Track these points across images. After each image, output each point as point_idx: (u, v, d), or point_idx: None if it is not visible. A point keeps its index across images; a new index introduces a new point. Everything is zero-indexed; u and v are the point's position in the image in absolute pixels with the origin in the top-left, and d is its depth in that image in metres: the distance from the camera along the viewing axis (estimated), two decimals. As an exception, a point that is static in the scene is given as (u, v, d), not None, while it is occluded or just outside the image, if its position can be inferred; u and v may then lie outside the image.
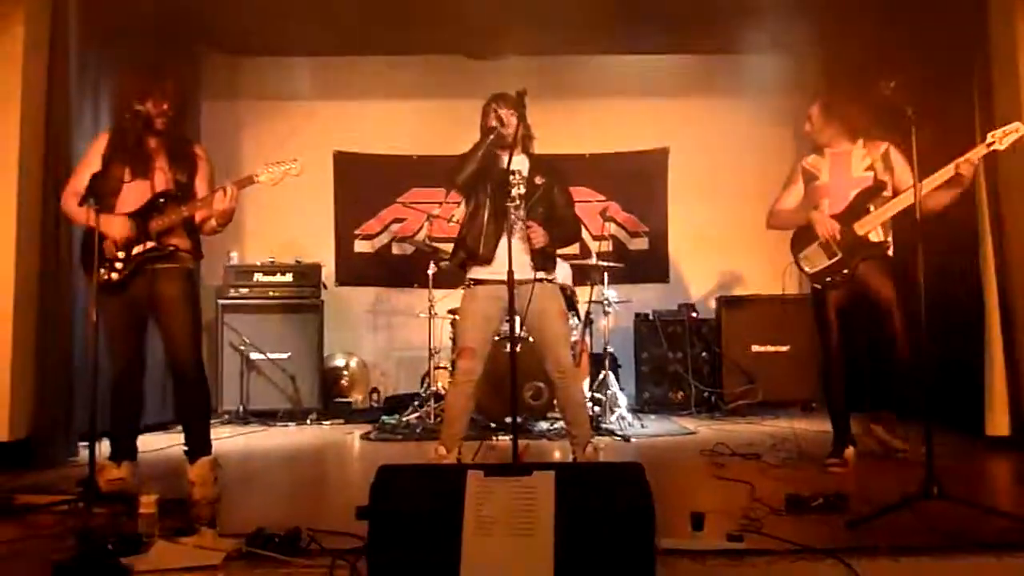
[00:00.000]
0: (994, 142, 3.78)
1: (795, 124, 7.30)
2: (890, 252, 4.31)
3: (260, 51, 7.30)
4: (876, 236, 4.25)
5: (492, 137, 4.06)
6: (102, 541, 2.65)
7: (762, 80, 7.58)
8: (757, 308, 6.60)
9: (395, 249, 7.63)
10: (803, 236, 4.38)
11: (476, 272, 4.15)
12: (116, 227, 3.79)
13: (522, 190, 4.10)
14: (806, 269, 4.36)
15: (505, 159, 3.91)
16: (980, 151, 3.84)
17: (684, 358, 6.78)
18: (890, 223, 4.27)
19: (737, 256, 7.13)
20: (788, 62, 7.53)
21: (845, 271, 4.22)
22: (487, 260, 4.05)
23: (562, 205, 4.26)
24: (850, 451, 4.28)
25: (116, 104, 4.04)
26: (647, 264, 7.64)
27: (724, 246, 7.30)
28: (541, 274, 4.10)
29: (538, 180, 4.13)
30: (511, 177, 3.99)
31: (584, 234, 7.34)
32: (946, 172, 3.89)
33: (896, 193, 4.20)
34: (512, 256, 3.64)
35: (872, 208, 4.22)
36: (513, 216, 3.98)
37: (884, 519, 2.92)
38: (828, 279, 4.28)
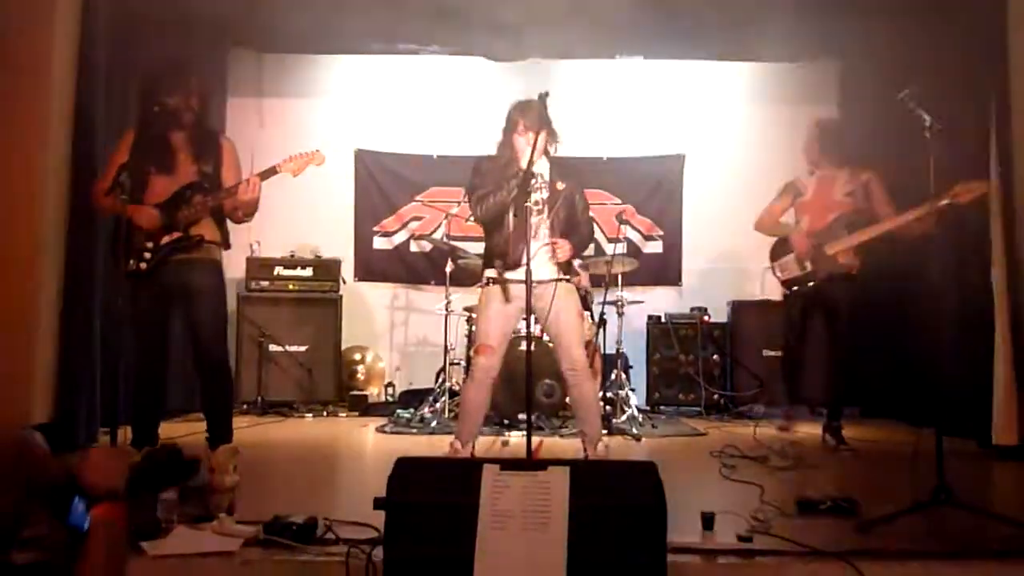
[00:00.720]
0: (958, 194, 4.12)
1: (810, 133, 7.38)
2: (854, 272, 4.80)
3: (285, 48, 7.37)
4: (844, 258, 4.75)
5: (518, 180, 3.94)
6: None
7: (780, 88, 7.63)
8: (768, 313, 6.60)
9: (413, 247, 7.68)
10: (782, 246, 4.98)
11: (501, 274, 4.18)
12: (144, 217, 3.88)
13: (544, 195, 4.13)
14: (779, 275, 5.01)
15: (524, 161, 3.95)
16: (943, 201, 4.08)
17: (695, 360, 6.82)
18: (862, 248, 4.72)
19: (750, 262, 7.13)
20: (807, 71, 7.57)
21: (810, 284, 4.82)
22: (517, 264, 4.03)
23: (581, 210, 4.31)
24: (786, 423, 5.27)
25: (142, 100, 4.11)
26: (661, 267, 7.66)
27: (737, 251, 7.31)
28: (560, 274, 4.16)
29: (559, 185, 4.16)
30: (532, 181, 4.00)
31: (600, 236, 7.39)
32: (919, 211, 4.31)
33: (871, 221, 4.67)
34: (534, 259, 3.70)
35: (846, 232, 4.70)
36: (535, 220, 4.01)
37: (893, 523, 2.94)
38: (795, 287, 4.91)
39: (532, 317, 3.76)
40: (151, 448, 3.69)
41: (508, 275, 4.12)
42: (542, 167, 4.18)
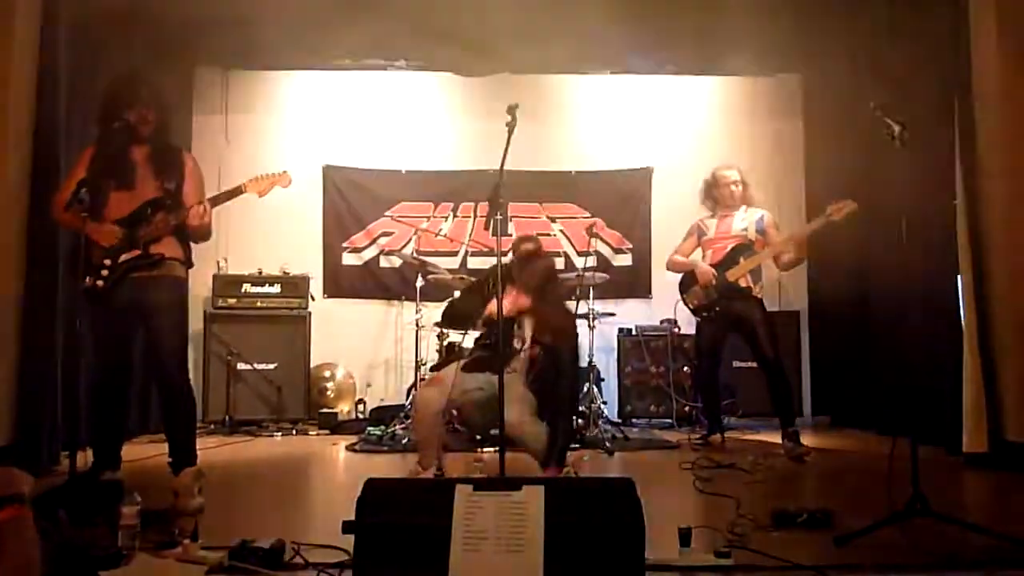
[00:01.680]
0: (832, 214, 4.94)
1: (775, 146, 7.48)
2: (757, 294, 5.36)
3: (251, 65, 7.33)
4: (744, 282, 5.32)
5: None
6: (81, 554, 2.62)
7: (745, 102, 7.71)
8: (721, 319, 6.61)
9: (383, 262, 7.62)
10: (689, 279, 5.54)
11: None
12: (104, 234, 3.78)
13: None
14: (689, 306, 5.54)
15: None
16: (814, 225, 5.12)
17: (666, 372, 6.82)
18: (758, 272, 5.37)
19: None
20: (771, 85, 7.66)
21: (717, 308, 5.37)
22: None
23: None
24: (715, 437, 5.59)
25: (101, 115, 4.01)
26: (631, 280, 7.67)
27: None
28: None
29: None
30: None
31: (569, 249, 7.41)
32: (794, 236, 5.35)
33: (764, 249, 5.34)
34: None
35: (741, 259, 5.32)
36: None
37: (870, 535, 2.92)
38: (705, 314, 5.45)
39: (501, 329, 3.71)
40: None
41: None
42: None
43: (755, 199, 5.59)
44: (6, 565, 1.90)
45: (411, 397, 6.20)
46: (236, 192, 3.95)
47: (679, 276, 5.69)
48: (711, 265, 5.43)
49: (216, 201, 3.94)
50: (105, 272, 3.81)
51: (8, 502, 1.98)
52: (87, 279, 3.78)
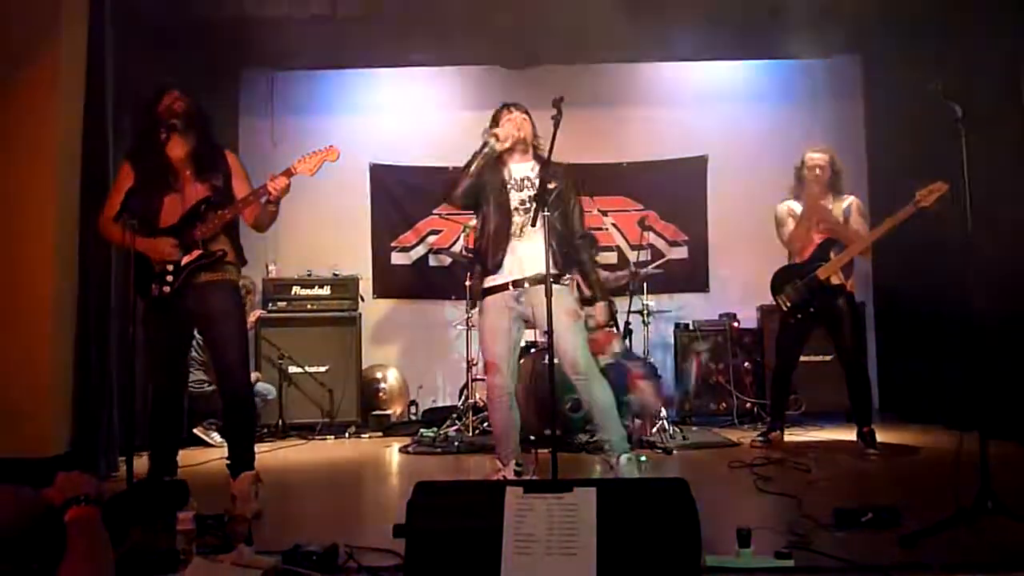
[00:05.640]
0: (920, 199, 4.63)
1: (835, 131, 7.24)
2: (850, 289, 5.20)
3: (296, 66, 7.36)
4: (836, 279, 5.12)
5: (485, 150, 4.05)
6: (139, 558, 2.63)
7: (802, 85, 7.51)
8: (811, 318, 6.45)
9: (432, 261, 7.61)
10: (781, 278, 5.30)
11: (486, 282, 4.12)
12: (157, 248, 3.79)
13: (530, 193, 4.04)
14: (783, 307, 5.29)
15: (510, 168, 3.99)
16: (909, 211, 4.71)
17: (726, 369, 6.69)
18: (849, 266, 5.14)
19: (779, 264, 7.00)
20: (828, 67, 7.44)
21: (811, 309, 5.16)
22: (496, 268, 4.04)
23: (576, 215, 4.20)
24: (776, 435, 5.41)
25: (134, 123, 4.02)
26: (687, 273, 7.53)
27: (765, 254, 7.17)
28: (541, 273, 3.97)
29: (551, 185, 4.02)
30: (523, 181, 4.05)
31: (623, 243, 7.29)
32: (883, 228, 4.92)
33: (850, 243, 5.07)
34: (522, 261, 3.76)
35: (832, 255, 5.10)
36: (519, 220, 4.00)
37: (937, 534, 2.82)
38: (799, 315, 5.22)
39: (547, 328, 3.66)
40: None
41: (493, 281, 4.07)
42: (529, 170, 4.13)
43: (845, 186, 5.33)
44: (75, 563, 1.91)
45: (463, 397, 6.17)
46: (287, 174, 3.91)
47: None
48: (800, 261, 5.25)
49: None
50: (170, 278, 3.81)
51: (76, 503, 2.02)
52: (152, 287, 3.79)
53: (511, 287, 4.02)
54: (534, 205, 3.84)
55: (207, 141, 4.02)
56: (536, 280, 3.95)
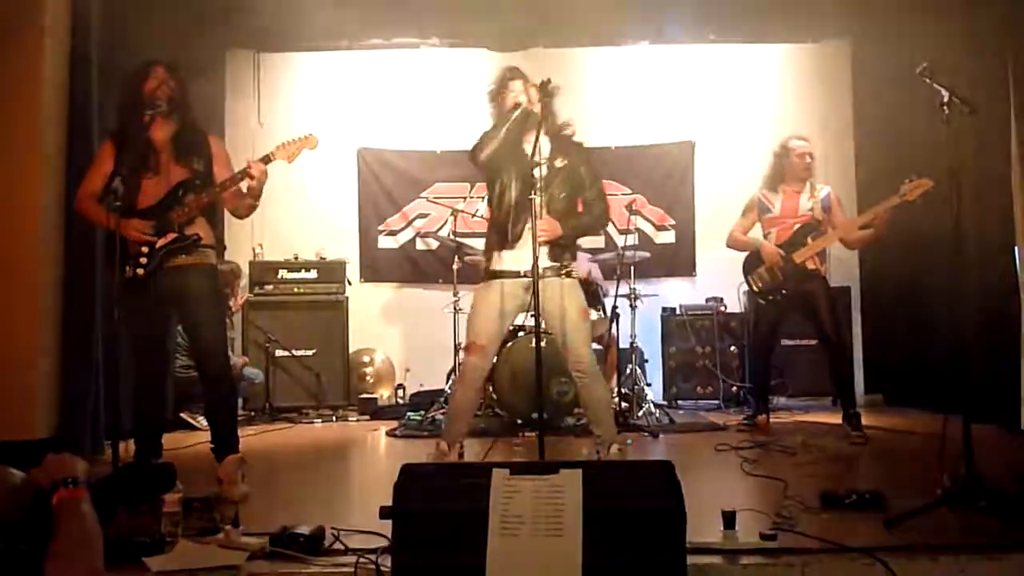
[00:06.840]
0: (905, 193, 4.68)
1: (822, 116, 7.25)
2: (824, 276, 5.25)
3: (283, 47, 7.31)
4: (812, 264, 5.15)
5: (518, 113, 3.91)
6: (125, 540, 2.63)
7: (790, 70, 7.50)
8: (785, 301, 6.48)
9: (420, 244, 7.60)
10: (754, 260, 5.31)
11: (496, 263, 4.05)
12: (133, 231, 3.76)
13: (544, 171, 3.95)
14: (754, 288, 5.32)
15: (530, 140, 3.82)
16: (892, 202, 4.76)
17: (712, 352, 6.71)
18: (824, 252, 5.24)
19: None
20: (818, 52, 7.44)
21: (784, 291, 5.17)
22: (517, 239, 3.93)
23: (589, 185, 4.12)
24: (762, 418, 5.39)
25: (119, 101, 3.97)
26: (674, 258, 7.55)
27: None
28: (555, 266, 3.99)
29: (559, 163, 3.99)
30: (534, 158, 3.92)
31: (610, 228, 7.27)
32: (865, 218, 5.08)
33: (828, 230, 5.16)
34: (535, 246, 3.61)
35: (809, 240, 5.13)
36: (535, 198, 3.87)
37: (922, 516, 2.83)
38: (771, 296, 5.24)
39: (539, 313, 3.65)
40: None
41: (506, 266, 3.99)
42: (543, 146, 4.02)
43: (832, 171, 5.45)
44: (64, 544, 1.92)
45: (450, 380, 6.17)
46: (265, 160, 3.87)
47: (729, 253, 5.55)
48: (776, 245, 5.21)
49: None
50: (144, 260, 3.78)
51: (63, 485, 2.03)
52: (127, 269, 3.77)
53: (523, 275, 3.90)
54: (542, 184, 3.80)
55: (191, 125, 3.97)
56: (553, 272, 3.93)
